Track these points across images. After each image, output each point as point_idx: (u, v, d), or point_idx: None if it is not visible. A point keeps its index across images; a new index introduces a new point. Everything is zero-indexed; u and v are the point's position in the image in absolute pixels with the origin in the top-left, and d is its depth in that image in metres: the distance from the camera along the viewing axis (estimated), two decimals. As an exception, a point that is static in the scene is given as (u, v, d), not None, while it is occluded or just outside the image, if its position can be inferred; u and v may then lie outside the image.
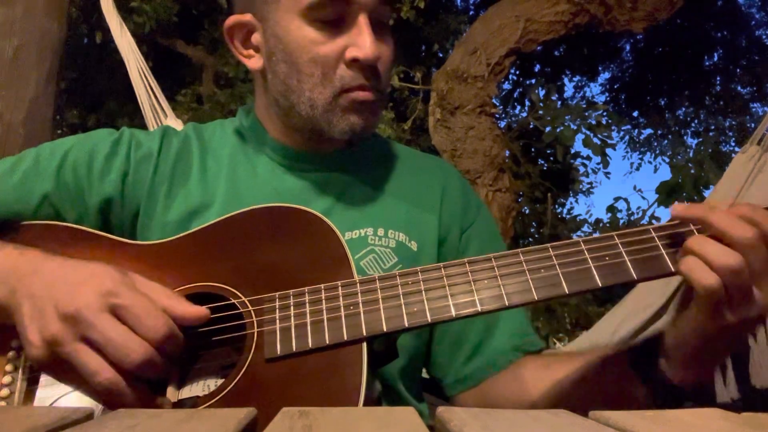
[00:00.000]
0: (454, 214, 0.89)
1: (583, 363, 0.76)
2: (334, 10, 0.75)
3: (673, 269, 0.61)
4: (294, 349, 0.63)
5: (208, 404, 0.62)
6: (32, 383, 0.66)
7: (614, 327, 2.27)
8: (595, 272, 0.62)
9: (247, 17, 0.82)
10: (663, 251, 0.62)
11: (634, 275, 0.62)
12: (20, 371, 0.67)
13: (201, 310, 0.64)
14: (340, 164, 0.87)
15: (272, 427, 0.36)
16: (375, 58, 0.76)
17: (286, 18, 0.77)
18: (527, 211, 5.12)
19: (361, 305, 0.64)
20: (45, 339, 0.59)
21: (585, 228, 5.53)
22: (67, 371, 0.60)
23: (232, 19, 0.83)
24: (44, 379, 0.66)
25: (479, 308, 0.63)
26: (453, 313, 0.63)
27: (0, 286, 0.64)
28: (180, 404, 0.64)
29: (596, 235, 0.67)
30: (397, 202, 0.87)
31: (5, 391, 0.66)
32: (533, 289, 0.63)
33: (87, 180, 0.81)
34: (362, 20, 0.76)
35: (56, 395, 0.65)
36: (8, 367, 0.67)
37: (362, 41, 0.75)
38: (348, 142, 0.84)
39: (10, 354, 0.68)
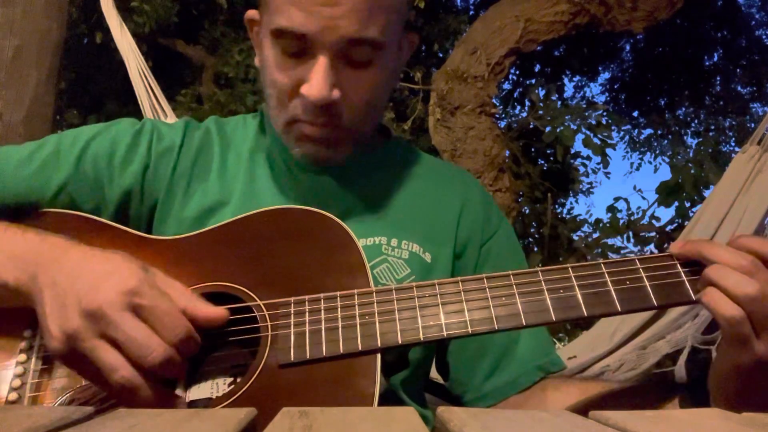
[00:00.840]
0: (473, 227, 0.88)
1: (616, 390, 0.75)
2: (295, 42, 0.73)
3: (694, 297, 0.61)
4: (308, 357, 0.63)
5: (220, 407, 0.62)
6: (44, 374, 0.66)
7: (614, 327, 2.27)
8: (615, 296, 0.62)
9: (257, 15, 0.82)
10: (684, 278, 0.62)
11: (654, 302, 0.61)
12: (32, 362, 0.67)
13: (220, 312, 0.64)
14: (359, 168, 0.86)
15: (272, 427, 0.36)
16: (323, 101, 0.73)
17: (263, 34, 0.78)
18: (527, 211, 5.11)
19: (376, 315, 0.64)
20: (65, 333, 0.59)
21: (585, 228, 5.53)
22: (84, 365, 0.60)
23: (249, 14, 0.84)
24: (55, 370, 0.66)
25: (495, 326, 0.62)
26: (469, 329, 0.63)
27: (21, 272, 0.64)
28: (193, 405, 0.64)
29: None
30: (414, 212, 0.86)
31: (17, 381, 0.66)
32: (551, 310, 0.62)
33: (107, 171, 0.81)
34: (321, 60, 0.72)
35: (67, 388, 0.65)
36: (21, 357, 0.67)
37: (315, 81, 0.72)
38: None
39: (23, 344, 0.68)
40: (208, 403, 0.64)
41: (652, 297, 0.61)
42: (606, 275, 0.63)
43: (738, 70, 8.08)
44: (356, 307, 0.65)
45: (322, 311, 0.65)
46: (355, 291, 0.66)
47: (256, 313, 0.66)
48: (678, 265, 0.62)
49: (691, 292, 0.61)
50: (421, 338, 0.63)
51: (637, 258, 0.64)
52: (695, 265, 0.62)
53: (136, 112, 2.89)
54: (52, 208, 0.78)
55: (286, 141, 0.80)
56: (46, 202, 0.78)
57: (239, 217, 0.74)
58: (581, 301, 0.62)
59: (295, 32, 0.71)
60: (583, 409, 0.75)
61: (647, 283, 0.62)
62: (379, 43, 0.74)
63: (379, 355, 0.62)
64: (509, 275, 0.65)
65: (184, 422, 0.37)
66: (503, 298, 0.63)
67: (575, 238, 4.90)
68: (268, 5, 0.75)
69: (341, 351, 0.62)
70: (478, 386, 0.84)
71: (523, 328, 0.63)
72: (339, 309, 0.65)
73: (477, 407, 0.84)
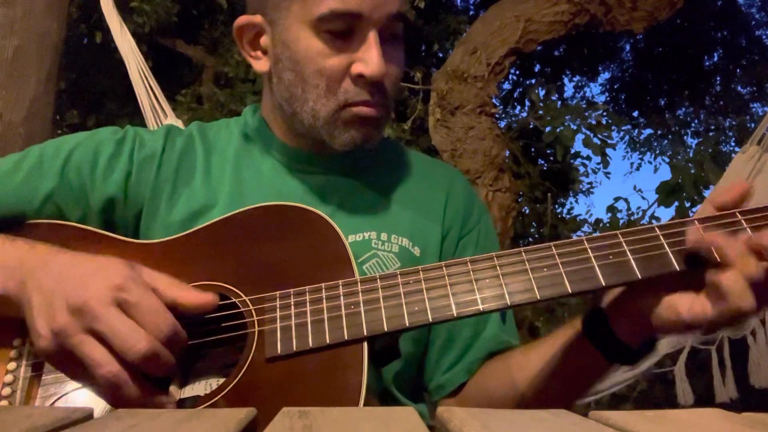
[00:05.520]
0: (454, 219, 0.89)
1: (535, 346, 0.78)
2: (345, 24, 0.74)
3: (678, 267, 0.60)
4: (294, 349, 0.63)
5: (208, 403, 0.62)
6: (34, 382, 0.66)
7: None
8: (598, 271, 0.62)
9: (257, 19, 0.81)
10: (668, 249, 0.61)
11: (639, 274, 0.61)
12: (22, 369, 0.67)
13: (209, 297, 0.64)
14: (346, 167, 0.87)
15: (272, 427, 0.36)
16: (381, 76, 0.75)
17: (295, 26, 0.77)
18: (527, 211, 5.11)
19: (362, 304, 0.64)
20: (53, 330, 0.59)
21: (585, 228, 5.53)
22: (73, 365, 0.60)
23: (242, 19, 0.83)
24: (46, 377, 0.66)
25: (480, 307, 0.62)
26: (454, 312, 0.62)
27: (10, 279, 0.65)
28: (181, 403, 0.64)
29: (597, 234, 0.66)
30: (402, 206, 0.87)
31: (7, 390, 0.66)
32: (536, 288, 0.62)
33: (90, 180, 0.81)
34: (372, 36, 0.75)
35: (58, 393, 0.65)
36: (11, 366, 0.67)
37: (369, 58, 0.75)
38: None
39: (13, 353, 0.68)
40: (196, 400, 0.64)
41: (636, 270, 0.61)
42: (589, 251, 0.63)
43: (738, 70, 8.07)
44: (341, 297, 0.65)
45: (308, 303, 0.65)
46: (340, 281, 0.66)
47: (242, 309, 0.66)
48: (661, 237, 0.62)
49: (674, 262, 0.61)
50: (407, 324, 0.63)
51: (619, 232, 0.63)
52: (678, 236, 0.62)
53: (136, 112, 2.89)
54: (40, 218, 0.79)
55: (330, 130, 0.79)
56: (33, 212, 0.79)
57: (223, 216, 0.75)
58: (565, 278, 0.62)
59: (350, 12, 0.73)
60: (521, 374, 0.77)
61: (630, 257, 0.62)
62: (407, 17, 0.78)
63: (365, 344, 0.62)
64: (493, 257, 0.65)
65: (183, 422, 0.37)
66: (487, 280, 0.63)
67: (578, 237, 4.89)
68: None
69: (327, 341, 0.62)
70: (438, 378, 0.86)
71: (509, 308, 0.63)
72: (324, 300, 0.65)
73: (437, 396, 0.86)
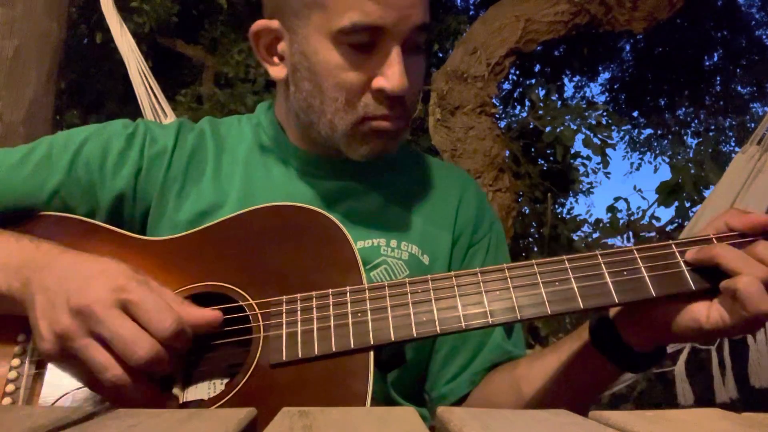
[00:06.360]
0: (465, 227, 0.88)
1: (541, 357, 0.76)
2: (367, 37, 0.72)
3: (693, 287, 0.59)
4: (300, 356, 0.62)
5: (211, 408, 0.62)
6: (37, 379, 0.66)
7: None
8: (612, 287, 0.60)
9: (275, 24, 0.78)
10: (684, 268, 0.60)
11: (653, 292, 0.59)
12: (26, 366, 0.67)
13: (214, 315, 0.63)
14: (357, 172, 0.85)
15: (272, 427, 0.36)
16: (403, 91, 0.73)
17: (315, 37, 0.74)
18: (527, 211, 5.11)
19: (369, 313, 0.63)
20: (55, 333, 0.59)
21: (585, 228, 5.52)
22: (75, 366, 0.60)
23: (259, 24, 0.80)
24: (49, 374, 0.66)
25: (490, 320, 0.61)
26: (463, 324, 0.61)
27: (15, 278, 0.65)
28: (186, 407, 0.64)
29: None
30: (413, 213, 0.86)
31: (11, 387, 0.66)
32: (546, 303, 0.61)
33: (99, 175, 0.80)
34: (394, 51, 0.72)
35: (61, 392, 0.65)
36: (14, 362, 0.67)
37: (391, 73, 0.72)
38: None
39: (17, 349, 0.68)
40: (200, 404, 0.63)
41: (651, 287, 0.60)
42: (603, 266, 0.61)
43: (738, 70, 8.08)
44: (348, 304, 0.64)
45: (314, 309, 0.64)
46: (348, 288, 0.65)
47: (248, 313, 0.66)
48: (677, 255, 0.61)
49: (691, 281, 0.60)
50: (414, 335, 0.62)
51: (635, 248, 0.62)
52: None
53: (136, 112, 2.89)
54: (46, 211, 0.78)
55: (348, 142, 0.78)
56: (41, 206, 0.78)
57: (232, 215, 0.74)
58: (577, 294, 0.60)
59: (372, 26, 0.71)
60: (528, 383, 0.76)
61: (645, 274, 0.60)
62: (431, 27, 0.75)
63: (372, 353, 0.62)
64: (504, 269, 0.63)
65: (183, 422, 0.37)
66: (498, 292, 0.62)
67: (575, 238, 4.89)
68: (327, 6, 0.72)
69: (333, 349, 0.62)
70: (441, 387, 0.85)
71: (519, 322, 0.62)
72: (331, 307, 0.64)
73: (439, 404, 0.84)
